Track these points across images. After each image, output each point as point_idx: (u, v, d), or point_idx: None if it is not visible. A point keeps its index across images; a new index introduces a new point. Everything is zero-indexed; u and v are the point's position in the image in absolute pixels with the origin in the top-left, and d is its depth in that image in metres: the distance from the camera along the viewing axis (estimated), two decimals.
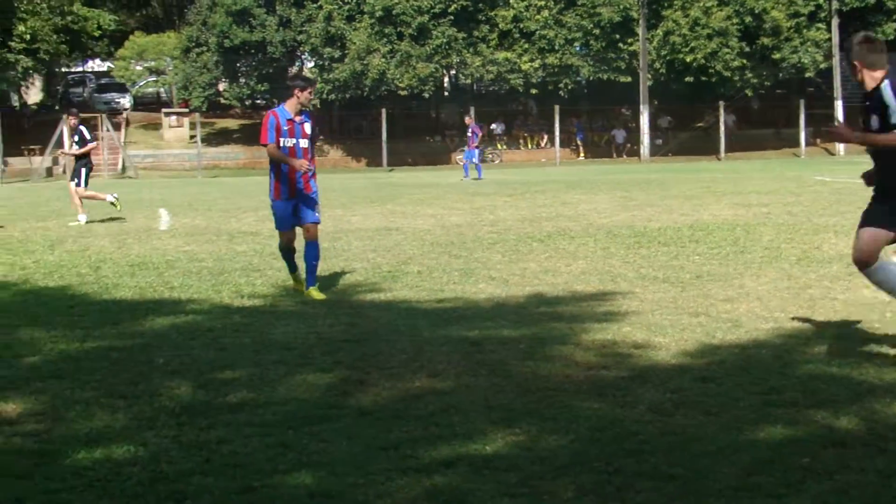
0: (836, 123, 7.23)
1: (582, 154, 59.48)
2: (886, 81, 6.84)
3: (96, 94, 68.87)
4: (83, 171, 20.98)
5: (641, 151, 55.39)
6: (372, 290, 11.24)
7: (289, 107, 10.88)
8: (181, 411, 6.39)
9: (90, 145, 21.30)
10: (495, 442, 5.66)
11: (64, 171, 50.82)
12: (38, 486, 5.12)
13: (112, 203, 21.13)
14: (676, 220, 17.99)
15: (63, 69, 72.20)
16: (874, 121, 6.94)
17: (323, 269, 12.67)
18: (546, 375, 7.16)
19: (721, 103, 53.98)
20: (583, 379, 7.06)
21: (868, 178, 7.51)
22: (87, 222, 20.37)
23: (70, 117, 22.13)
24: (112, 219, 21.12)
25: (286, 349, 8.14)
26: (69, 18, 59.37)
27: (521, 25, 54.58)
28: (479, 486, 4.97)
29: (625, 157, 58.34)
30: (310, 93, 11.07)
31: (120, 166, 53.71)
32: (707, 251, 13.73)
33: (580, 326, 8.86)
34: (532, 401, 6.50)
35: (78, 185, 20.97)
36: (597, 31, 53.91)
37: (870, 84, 6.99)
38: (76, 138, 21.18)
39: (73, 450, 5.66)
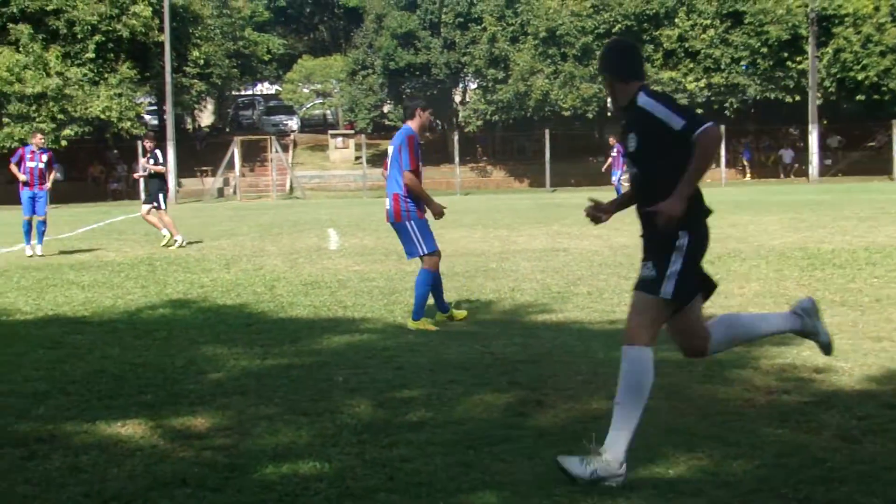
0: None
1: (748, 174, 58.52)
2: (642, 92, 5.82)
3: (265, 117, 70.82)
4: (161, 195, 21.28)
5: (810, 171, 54.15)
6: (543, 311, 11.24)
7: (416, 128, 10.53)
8: (363, 429, 6.49)
9: (160, 168, 21.61)
10: (678, 466, 5.61)
11: (234, 192, 52.31)
12: (230, 498, 5.27)
13: (170, 242, 20.96)
14: (850, 242, 17.53)
15: (233, 92, 74.32)
16: (632, 141, 5.86)
17: (492, 288, 12.78)
18: (726, 399, 7.06)
19: (894, 122, 52.35)
20: (764, 403, 6.94)
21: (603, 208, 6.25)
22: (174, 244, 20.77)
23: (146, 140, 22.53)
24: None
25: (462, 369, 8.20)
26: (240, 43, 61.36)
27: (687, 45, 54.05)
28: None
29: (792, 177, 57.16)
30: (430, 113, 10.75)
31: (287, 187, 54.93)
32: (885, 274, 13.34)
33: (758, 350, 8.69)
34: (713, 425, 6.41)
35: (158, 207, 21.21)
36: (764, 50, 53.02)
37: (622, 99, 5.95)
38: (152, 161, 21.44)
39: (261, 464, 5.81)
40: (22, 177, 19.38)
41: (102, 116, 49.34)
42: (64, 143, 48.97)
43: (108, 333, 10.44)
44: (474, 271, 15.00)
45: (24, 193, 19.56)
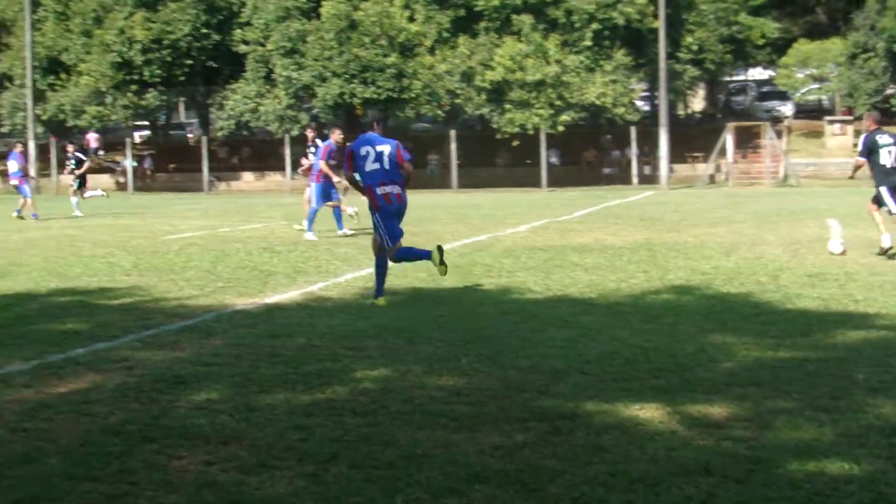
0: None
1: None
2: None
3: (757, 102, 69.51)
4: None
5: None
6: None
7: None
8: (891, 431, 6.17)
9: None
10: None
11: (726, 179, 51.81)
12: (755, 492, 5.18)
13: (350, 215, 22.19)
14: None
15: (725, 78, 73.50)
16: None
17: None
18: None
19: None
20: None
21: None
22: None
23: (308, 130, 23.05)
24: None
25: None
26: (734, 28, 60.54)
27: None
28: None
29: None
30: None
31: (781, 174, 53.62)
32: None
33: None
34: None
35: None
36: None
37: None
38: (312, 148, 21.99)
39: (784, 460, 5.67)
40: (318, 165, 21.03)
41: (597, 102, 50.46)
42: (560, 128, 50.63)
43: (616, 316, 10.63)
44: None
45: (320, 186, 20.90)
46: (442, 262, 11.88)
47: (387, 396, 7.17)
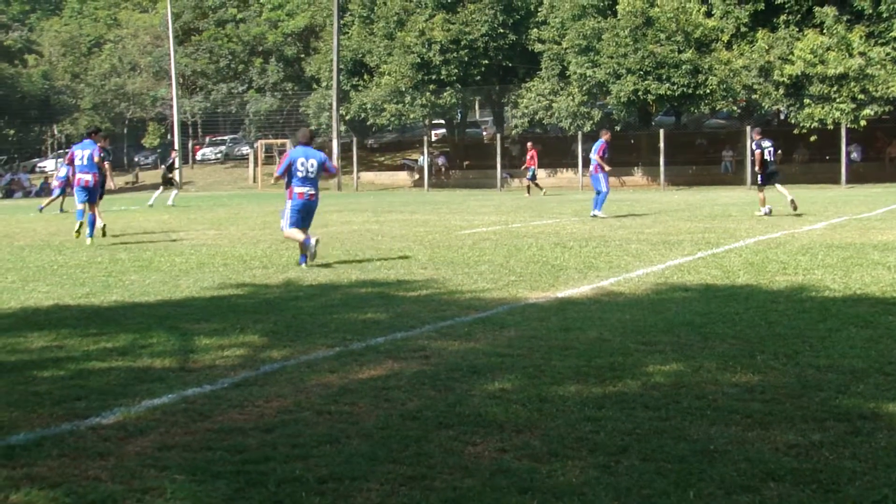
0: None
1: None
2: None
3: None
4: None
5: None
6: None
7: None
8: None
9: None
10: None
11: None
12: None
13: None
14: None
15: None
16: None
17: None
18: None
19: None
20: None
21: None
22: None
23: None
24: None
25: None
26: None
27: None
28: None
29: None
30: None
31: None
32: None
33: None
34: None
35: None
36: None
37: None
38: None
39: None
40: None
41: None
42: (863, 122, 48.65)
43: None
44: None
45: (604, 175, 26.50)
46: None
47: (679, 391, 7.12)
